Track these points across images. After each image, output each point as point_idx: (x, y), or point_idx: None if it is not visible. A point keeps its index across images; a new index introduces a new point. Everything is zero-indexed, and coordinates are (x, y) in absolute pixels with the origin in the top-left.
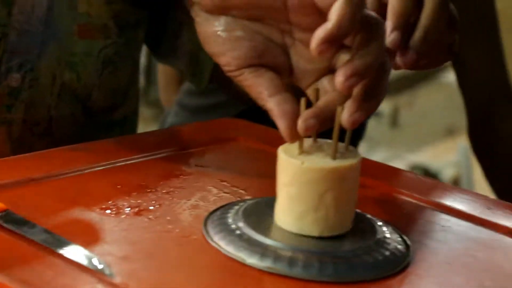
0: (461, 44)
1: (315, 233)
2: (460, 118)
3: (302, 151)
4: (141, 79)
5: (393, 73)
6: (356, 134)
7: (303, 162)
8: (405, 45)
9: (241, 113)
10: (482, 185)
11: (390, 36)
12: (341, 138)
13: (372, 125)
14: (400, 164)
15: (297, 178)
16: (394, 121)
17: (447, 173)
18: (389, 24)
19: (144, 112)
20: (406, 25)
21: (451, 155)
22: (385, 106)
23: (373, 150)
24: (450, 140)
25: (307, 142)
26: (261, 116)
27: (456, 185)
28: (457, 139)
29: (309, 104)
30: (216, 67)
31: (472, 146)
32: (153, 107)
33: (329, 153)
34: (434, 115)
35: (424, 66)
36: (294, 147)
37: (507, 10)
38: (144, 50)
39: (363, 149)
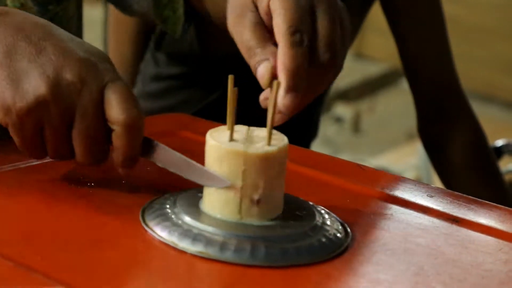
0: (411, 44)
1: (238, 218)
2: None
3: (231, 137)
4: None
5: (353, 80)
6: (307, 133)
7: (229, 147)
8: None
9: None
10: (442, 187)
11: (285, 97)
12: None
13: (334, 130)
14: None
15: (222, 163)
16: (356, 126)
17: (408, 176)
18: (283, 82)
19: None
20: (302, 85)
21: (412, 158)
22: (346, 112)
23: (336, 155)
24: (411, 143)
25: (239, 128)
26: (211, 115)
27: None
28: (417, 142)
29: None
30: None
31: (423, 143)
32: None
33: (257, 139)
34: (395, 120)
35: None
36: (222, 132)
37: (459, 16)
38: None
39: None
